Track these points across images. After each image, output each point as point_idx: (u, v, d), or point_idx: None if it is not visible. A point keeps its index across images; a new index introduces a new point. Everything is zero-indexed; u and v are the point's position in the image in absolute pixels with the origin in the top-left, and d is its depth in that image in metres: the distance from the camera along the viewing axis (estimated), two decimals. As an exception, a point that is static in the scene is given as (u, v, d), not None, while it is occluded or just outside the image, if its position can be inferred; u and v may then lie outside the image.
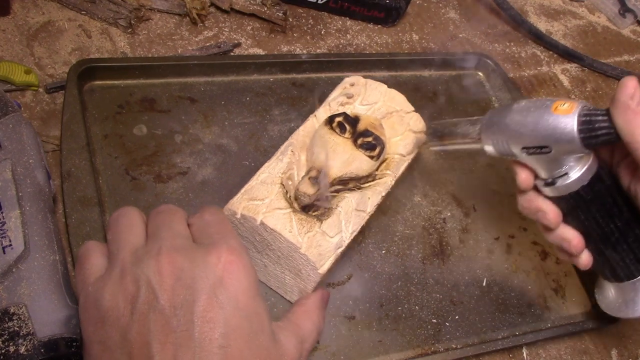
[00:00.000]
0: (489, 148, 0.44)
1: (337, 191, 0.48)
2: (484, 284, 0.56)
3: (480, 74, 0.76)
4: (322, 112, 0.53)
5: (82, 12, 0.63)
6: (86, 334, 0.32)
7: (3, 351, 0.35)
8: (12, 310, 0.36)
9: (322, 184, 0.45)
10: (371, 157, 0.48)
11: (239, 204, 0.45)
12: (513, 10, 0.84)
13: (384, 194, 0.50)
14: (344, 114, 0.50)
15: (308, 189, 0.44)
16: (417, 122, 0.55)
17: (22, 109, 0.54)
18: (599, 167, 0.42)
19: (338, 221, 0.46)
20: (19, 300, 0.37)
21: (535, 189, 0.45)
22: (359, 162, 0.48)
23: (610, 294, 0.48)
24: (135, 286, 0.31)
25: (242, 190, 0.46)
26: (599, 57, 0.86)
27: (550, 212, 0.44)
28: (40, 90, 0.56)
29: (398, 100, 0.56)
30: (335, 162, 0.47)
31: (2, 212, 0.40)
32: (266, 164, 0.48)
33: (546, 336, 0.54)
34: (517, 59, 0.82)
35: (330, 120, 0.49)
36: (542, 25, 0.89)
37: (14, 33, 0.59)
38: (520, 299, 0.56)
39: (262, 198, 0.45)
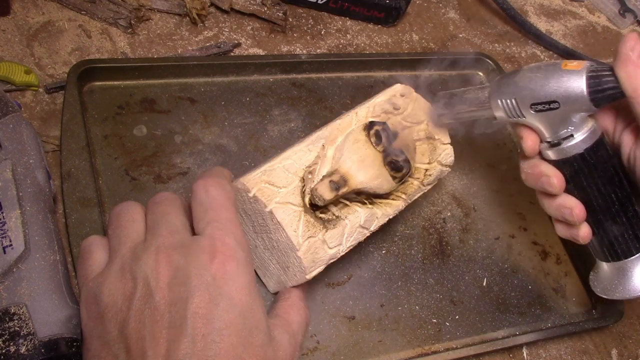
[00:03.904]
0: (498, 112, 0.45)
1: (349, 199, 0.46)
2: (484, 284, 0.56)
3: (480, 74, 0.76)
4: (364, 111, 0.51)
5: (82, 12, 0.63)
6: (86, 329, 0.33)
7: (3, 351, 0.35)
8: (12, 310, 0.36)
9: (340, 192, 0.44)
10: (394, 178, 0.47)
11: (255, 182, 0.43)
12: (513, 10, 0.84)
13: (391, 217, 0.49)
14: (385, 124, 0.48)
15: (326, 193, 0.43)
16: (447, 155, 0.53)
17: (22, 109, 0.54)
18: (602, 135, 0.44)
19: (341, 234, 0.45)
20: (20, 300, 0.37)
21: (539, 156, 0.46)
22: (382, 180, 0.47)
23: (606, 276, 0.48)
24: (133, 283, 0.32)
25: (262, 169, 0.44)
26: (599, 57, 0.86)
27: (555, 176, 0.44)
28: (40, 90, 0.56)
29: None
30: (361, 174, 0.46)
31: (2, 212, 0.40)
32: (293, 149, 0.46)
33: (546, 336, 0.54)
34: (517, 59, 0.82)
35: (369, 126, 0.48)
36: (542, 25, 0.89)
37: (14, 33, 0.59)
38: (520, 299, 0.56)
39: (280, 186, 0.43)
